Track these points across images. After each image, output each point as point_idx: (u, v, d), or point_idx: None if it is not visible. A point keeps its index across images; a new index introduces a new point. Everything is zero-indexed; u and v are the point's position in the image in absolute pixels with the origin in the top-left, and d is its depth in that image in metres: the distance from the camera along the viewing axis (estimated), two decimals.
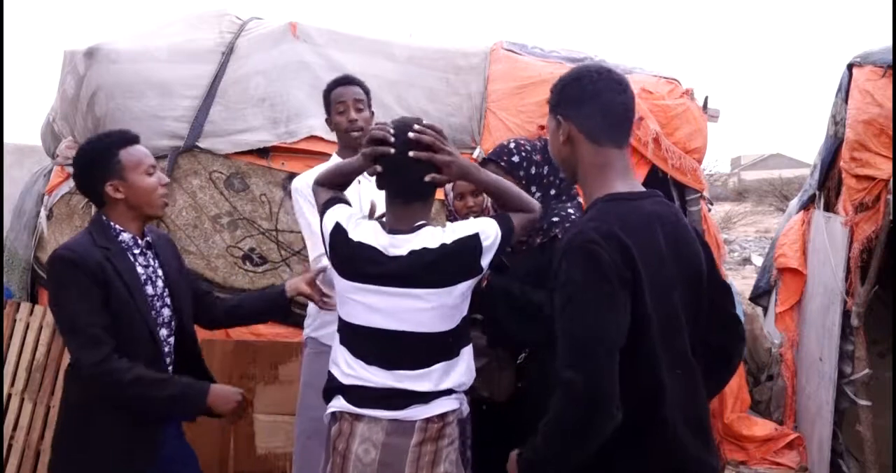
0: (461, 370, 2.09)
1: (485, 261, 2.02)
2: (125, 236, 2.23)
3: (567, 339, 1.57)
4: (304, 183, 2.70)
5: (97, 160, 2.20)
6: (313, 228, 2.53)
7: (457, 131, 3.95)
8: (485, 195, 2.77)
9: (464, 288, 2.03)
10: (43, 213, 3.99)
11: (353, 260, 2.04)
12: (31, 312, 3.85)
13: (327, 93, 2.88)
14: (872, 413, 3.64)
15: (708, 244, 1.88)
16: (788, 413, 4.68)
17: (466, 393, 2.68)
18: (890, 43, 3.54)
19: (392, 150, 2.00)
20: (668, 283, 1.65)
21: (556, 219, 2.61)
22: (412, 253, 1.99)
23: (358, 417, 2.01)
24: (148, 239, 2.31)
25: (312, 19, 4.15)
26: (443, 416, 2.03)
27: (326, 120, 2.91)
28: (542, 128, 3.87)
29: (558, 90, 1.76)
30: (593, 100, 1.70)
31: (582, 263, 1.56)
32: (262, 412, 3.55)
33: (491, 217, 2.13)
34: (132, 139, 2.26)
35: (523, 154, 2.66)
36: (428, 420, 2.00)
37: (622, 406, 1.54)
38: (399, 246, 2.01)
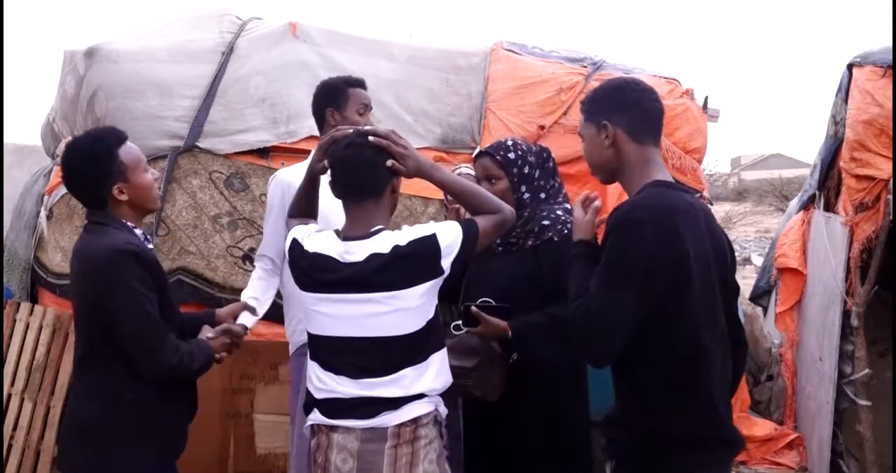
0: (430, 376, 2.06)
1: (445, 263, 2.01)
2: (138, 232, 2.22)
3: (584, 312, 1.79)
4: (288, 176, 2.74)
5: (101, 164, 2.12)
6: (271, 227, 2.73)
7: (457, 131, 3.96)
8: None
9: (423, 291, 2.01)
10: (43, 213, 3.99)
11: (310, 270, 2.06)
12: (31, 312, 3.85)
13: (345, 88, 2.83)
14: (872, 413, 3.64)
15: (732, 247, 2.04)
16: (788, 413, 4.68)
17: (455, 393, 2.69)
18: (890, 43, 3.54)
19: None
20: (708, 262, 1.82)
21: (546, 221, 2.61)
22: (368, 257, 2.00)
23: (333, 428, 2.04)
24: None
25: (312, 19, 4.15)
26: (415, 420, 2.02)
27: (330, 112, 2.85)
28: (542, 128, 3.87)
29: (601, 99, 1.96)
30: (636, 106, 1.92)
31: (623, 240, 1.76)
32: (262, 412, 3.54)
33: (459, 220, 2.14)
34: (124, 137, 2.21)
35: (519, 152, 2.66)
36: (400, 425, 2.00)
37: (667, 369, 1.78)
38: (354, 252, 2.01)
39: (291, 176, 2.71)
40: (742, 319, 5.45)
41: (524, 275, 2.59)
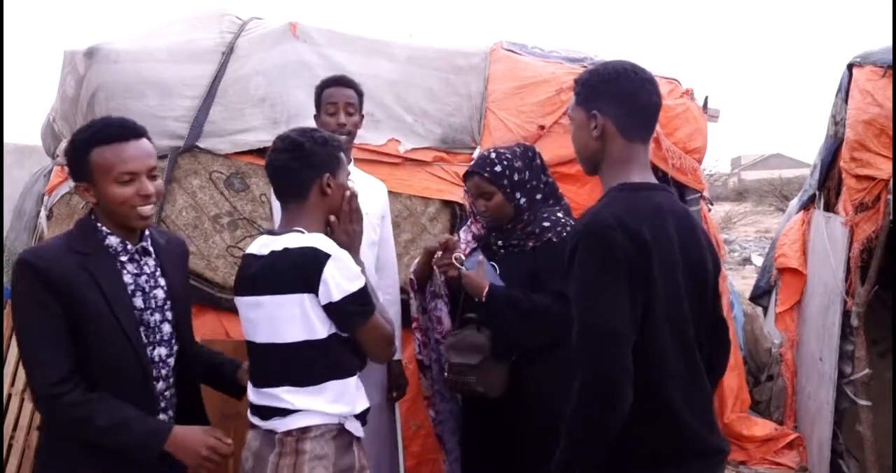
0: (323, 400, 1.97)
1: (324, 288, 1.91)
2: (112, 240, 1.93)
3: (583, 330, 1.65)
4: None
5: (70, 156, 1.90)
6: None
7: (457, 131, 3.95)
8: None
9: (300, 302, 1.93)
10: (43, 213, 3.98)
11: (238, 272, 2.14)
12: None
13: (319, 91, 2.91)
14: (872, 413, 3.64)
15: (715, 248, 1.94)
16: (788, 413, 4.68)
17: (458, 390, 2.70)
18: (890, 43, 3.54)
19: None
20: (676, 271, 1.72)
21: (547, 223, 2.64)
22: (268, 254, 2.02)
23: (251, 425, 2.08)
24: (144, 244, 2.00)
25: (312, 19, 4.15)
26: (303, 430, 1.96)
27: (315, 117, 2.91)
28: (542, 128, 3.87)
29: (594, 85, 1.82)
30: (632, 98, 1.80)
31: (598, 249, 1.64)
32: None
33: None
34: (116, 135, 1.88)
35: (504, 163, 2.69)
36: (287, 433, 1.97)
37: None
38: (266, 245, 2.05)
39: None
40: (742, 319, 5.47)
41: (524, 276, 2.62)
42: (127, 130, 1.91)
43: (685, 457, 1.73)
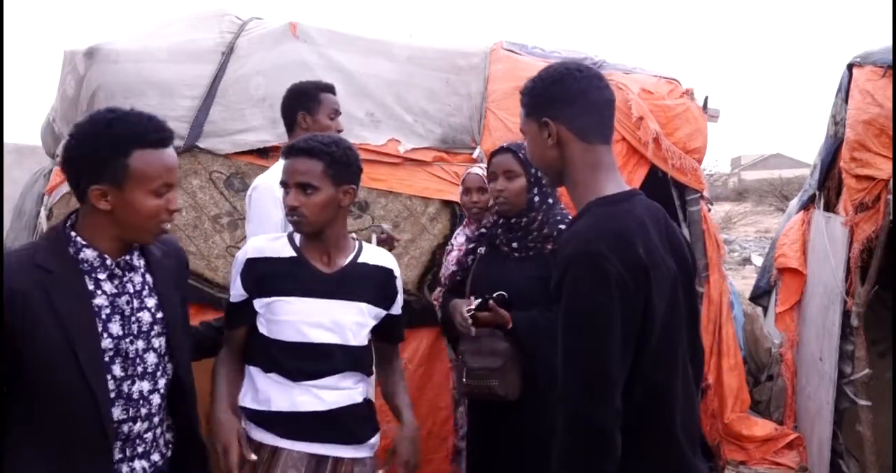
0: None
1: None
2: (88, 253, 1.63)
3: (570, 367, 1.52)
4: (269, 180, 2.70)
5: (99, 150, 1.59)
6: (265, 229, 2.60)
7: (457, 131, 3.95)
8: (490, 194, 2.77)
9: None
10: (43, 213, 3.98)
11: None
12: None
13: (317, 93, 2.95)
14: (872, 413, 3.64)
15: (693, 252, 1.83)
16: (788, 413, 4.68)
17: (477, 394, 2.68)
18: (890, 43, 3.54)
19: None
20: (674, 285, 1.62)
21: (563, 226, 2.61)
22: None
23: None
24: (129, 258, 1.71)
25: (312, 19, 4.15)
26: None
27: (302, 115, 2.92)
28: None
29: (540, 92, 1.72)
30: (581, 98, 1.67)
31: (589, 278, 1.51)
32: None
33: None
34: (159, 140, 1.64)
35: None
36: None
37: (625, 408, 1.52)
38: None
39: (273, 180, 2.58)
40: (742, 319, 5.47)
41: (540, 277, 2.58)
42: (168, 134, 1.68)
43: None
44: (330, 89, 3.00)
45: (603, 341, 1.49)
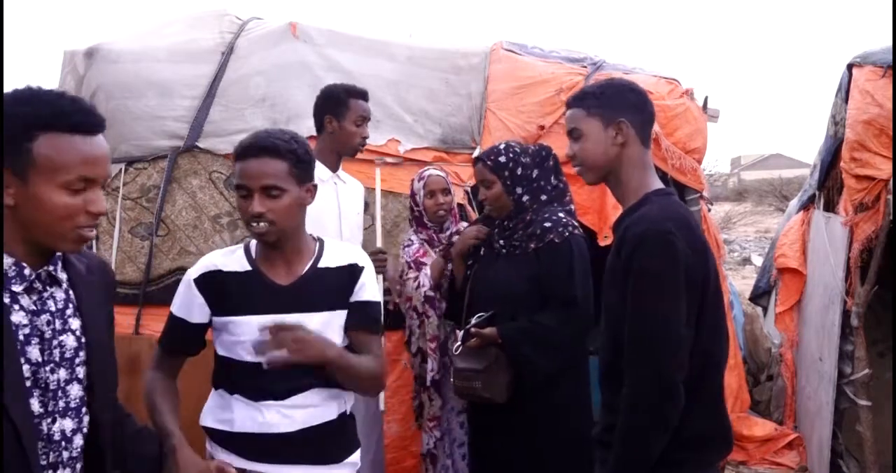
0: None
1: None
2: (5, 260, 1.33)
3: (642, 327, 1.72)
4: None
5: (8, 132, 1.29)
6: None
7: (457, 131, 3.95)
8: (454, 195, 2.85)
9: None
10: None
11: None
12: None
13: (346, 99, 2.89)
14: (872, 413, 3.64)
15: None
16: (788, 413, 4.68)
17: (463, 395, 2.72)
18: (890, 43, 3.54)
19: None
20: (714, 270, 1.84)
21: (548, 223, 2.63)
22: None
23: None
24: (51, 269, 1.38)
25: (312, 19, 4.15)
26: None
27: (329, 119, 2.89)
28: (541, 128, 3.87)
29: (611, 96, 1.92)
30: (647, 108, 1.94)
31: (660, 253, 1.73)
32: None
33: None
34: (78, 124, 1.32)
35: (510, 155, 2.72)
36: None
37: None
38: None
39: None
40: (742, 319, 5.47)
41: (527, 277, 2.62)
42: (94, 119, 1.35)
43: (722, 445, 1.86)
44: (361, 94, 2.92)
45: (675, 303, 1.71)
